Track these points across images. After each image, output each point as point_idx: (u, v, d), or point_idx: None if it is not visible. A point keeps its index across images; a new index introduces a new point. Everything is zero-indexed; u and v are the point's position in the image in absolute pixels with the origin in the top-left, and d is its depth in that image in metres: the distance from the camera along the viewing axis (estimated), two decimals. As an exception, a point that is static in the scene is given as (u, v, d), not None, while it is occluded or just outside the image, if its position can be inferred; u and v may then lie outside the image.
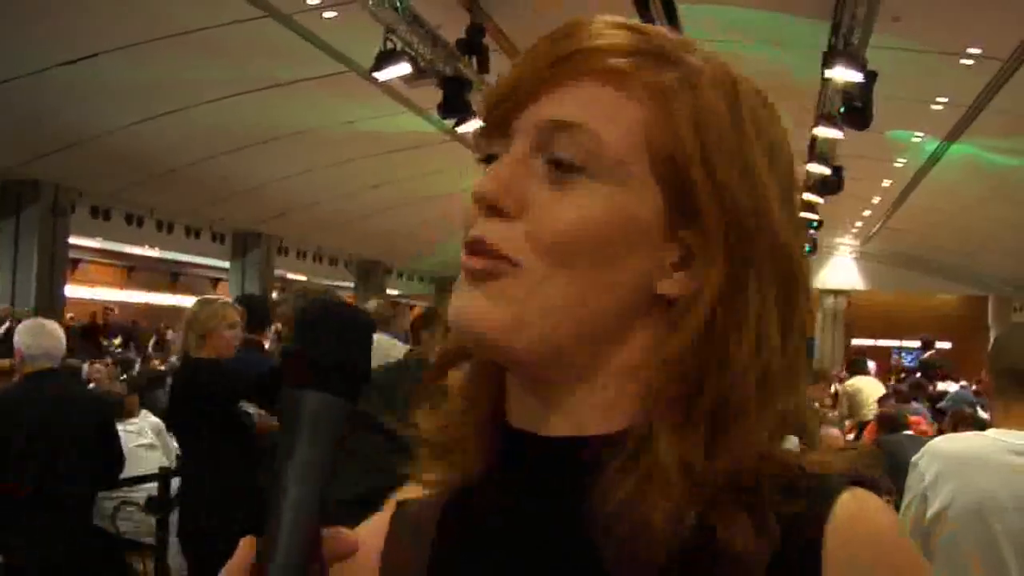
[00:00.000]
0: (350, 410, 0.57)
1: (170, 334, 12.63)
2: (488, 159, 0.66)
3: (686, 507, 0.58)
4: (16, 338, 3.88)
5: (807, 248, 0.70)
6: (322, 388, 0.56)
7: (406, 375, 2.87)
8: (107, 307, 16.82)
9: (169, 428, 5.02)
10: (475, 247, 0.62)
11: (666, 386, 0.61)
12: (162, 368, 8.71)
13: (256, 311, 4.78)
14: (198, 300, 4.20)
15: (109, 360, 8.98)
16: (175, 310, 13.99)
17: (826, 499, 0.60)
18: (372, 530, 0.73)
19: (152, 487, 4.73)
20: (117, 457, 4.00)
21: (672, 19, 6.64)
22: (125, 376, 7.75)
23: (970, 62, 7.58)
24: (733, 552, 0.58)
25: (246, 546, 0.56)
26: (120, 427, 4.34)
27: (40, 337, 3.79)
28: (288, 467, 0.55)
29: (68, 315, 12.10)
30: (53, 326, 3.92)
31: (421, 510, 0.72)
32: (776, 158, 0.64)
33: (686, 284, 0.62)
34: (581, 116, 0.62)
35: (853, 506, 0.60)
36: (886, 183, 13.12)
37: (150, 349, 13.40)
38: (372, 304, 5.52)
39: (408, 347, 5.51)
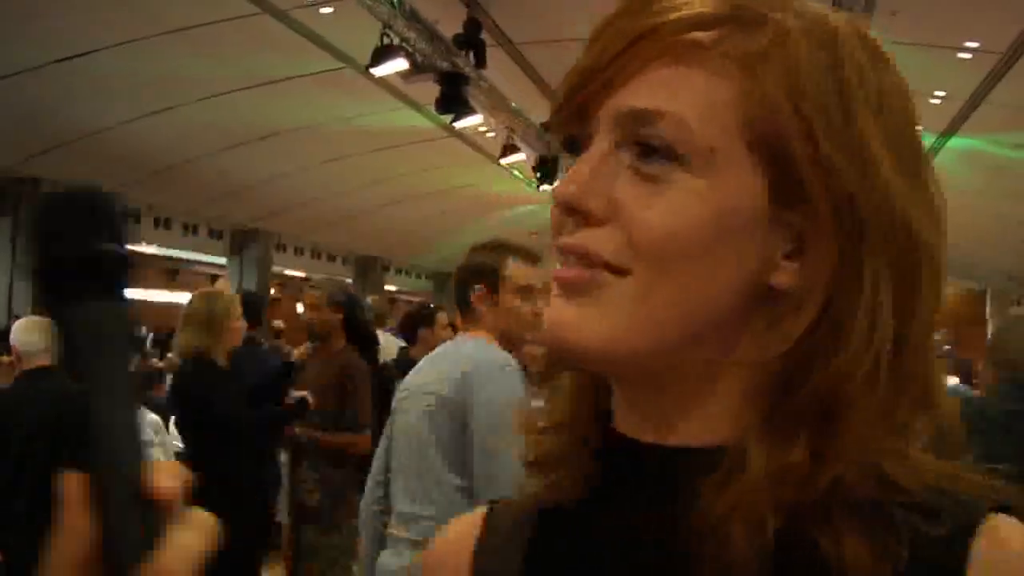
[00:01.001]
0: (126, 308, 0.51)
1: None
2: (570, 144, 0.61)
3: (784, 520, 0.54)
4: (12, 335, 3.87)
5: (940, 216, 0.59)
6: (83, 297, 0.50)
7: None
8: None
9: (175, 424, 5.04)
10: (573, 255, 0.58)
11: (770, 388, 0.57)
12: (160, 365, 8.70)
13: (253, 307, 4.80)
14: (201, 295, 4.19)
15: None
16: (172, 307, 13.98)
17: (968, 522, 0.54)
18: (462, 529, 0.71)
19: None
20: None
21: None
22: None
23: (968, 56, 7.56)
24: (840, 569, 0.53)
25: (74, 483, 0.50)
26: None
27: (36, 333, 3.78)
28: (91, 394, 0.50)
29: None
30: (48, 322, 3.90)
31: (516, 513, 0.69)
32: (888, 114, 0.57)
33: (800, 274, 0.57)
34: (663, 103, 0.56)
35: (1001, 534, 0.54)
36: (884, 177, 13.08)
37: (147, 346, 13.38)
38: (370, 300, 5.52)
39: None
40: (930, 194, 0.59)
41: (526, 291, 2.66)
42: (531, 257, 2.72)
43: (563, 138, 0.62)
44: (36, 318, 4.03)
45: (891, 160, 0.56)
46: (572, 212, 0.58)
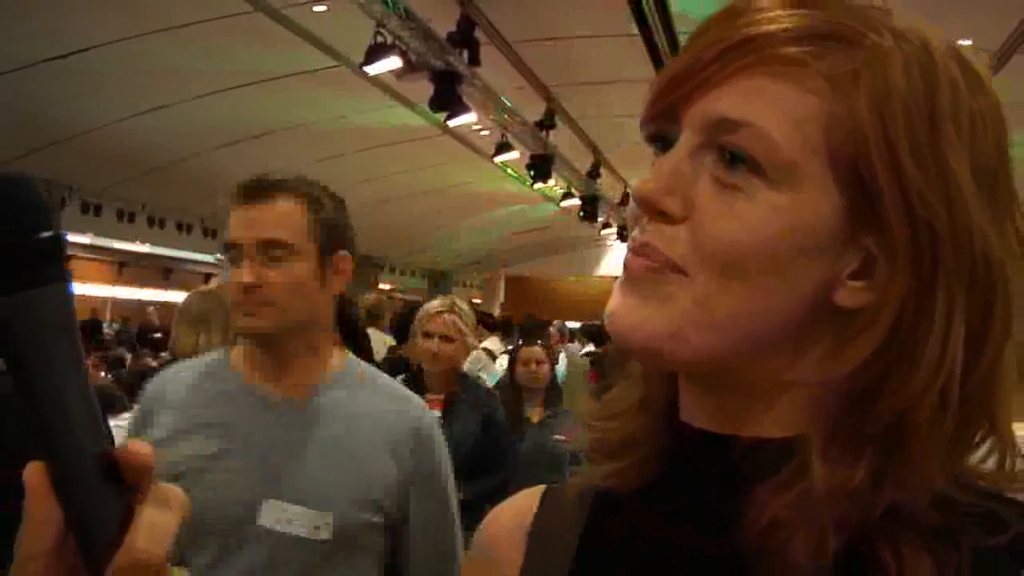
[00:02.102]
0: (64, 289, 0.50)
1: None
2: (656, 139, 0.62)
3: (837, 536, 0.54)
4: None
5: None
6: (20, 287, 0.48)
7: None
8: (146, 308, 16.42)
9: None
10: (641, 251, 0.58)
11: (833, 403, 0.57)
12: (154, 364, 8.68)
13: None
14: (198, 293, 4.17)
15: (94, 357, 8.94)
16: (167, 306, 13.95)
17: None
18: (521, 505, 0.73)
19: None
20: None
21: (663, 7, 6.63)
22: (112, 373, 7.72)
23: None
24: None
25: (36, 471, 0.49)
26: (112, 422, 4.33)
27: None
28: (42, 381, 0.48)
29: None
30: None
31: (572, 497, 0.69)
32: (979, 140, 0.57)
33: (866, 295, 0.56)
34: (750, 113, 0.56)
35: None
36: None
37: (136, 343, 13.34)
38: (367, 299, 5.50)
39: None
40: (1013, 227, 0.58)
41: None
42: None
43: (648, 134, 0.62)
44: None
45: (976, 189, 0.56)
46: (649, 209, 0.58)
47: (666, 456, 0.64)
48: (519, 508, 0.73)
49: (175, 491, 0.50)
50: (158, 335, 10.66)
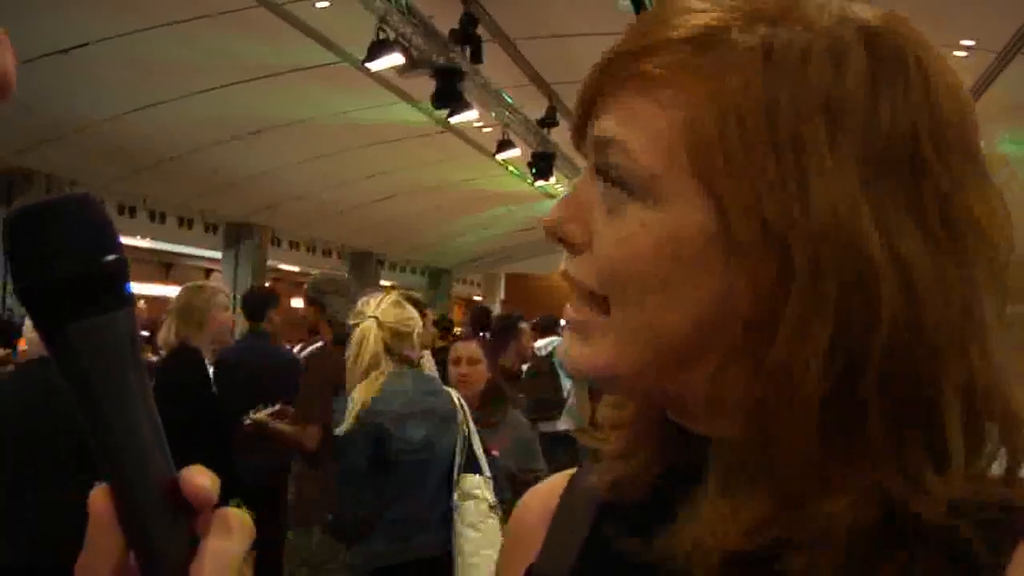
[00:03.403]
0: (128, 312, 0.48)
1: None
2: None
3: (767, 549, 0.53)
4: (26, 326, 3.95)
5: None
6: (86, 313, 0.46)
7: None
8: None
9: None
10: (568, 281, 0.61)
11: (736, 426, 0.56)
12: (153, 359, 8.68)
13: (254, 304, 4.84)
14: (187, 287, 4.18)
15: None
16: (168, 301, 13.96)
17: (1004, 542, 0.52)
18: (552, 488, 0.74)
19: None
20: None
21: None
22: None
23: (963, 54, 7.58)
24: None
25: (100, 497, 0.48)
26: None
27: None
28: (106, 407, 0.47)
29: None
30: None
31: (588, 493, 0.70)
32: (874, 127, 0.53)
33: (750, 302, 0.55)
34: (618, 131, 0.57)
35: None
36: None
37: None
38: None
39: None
40: (947, 215, 0.54)
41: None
42: None
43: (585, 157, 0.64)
44: None
45: (859, 180, 0.53)
46: (553, 238, 0.60)
47: (667, 460, 0.65)
48: (552, 488, 0.74)
49: (239, 516, 0.49)
50: (144, 333, 10.67)
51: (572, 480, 0.74)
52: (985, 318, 0.54)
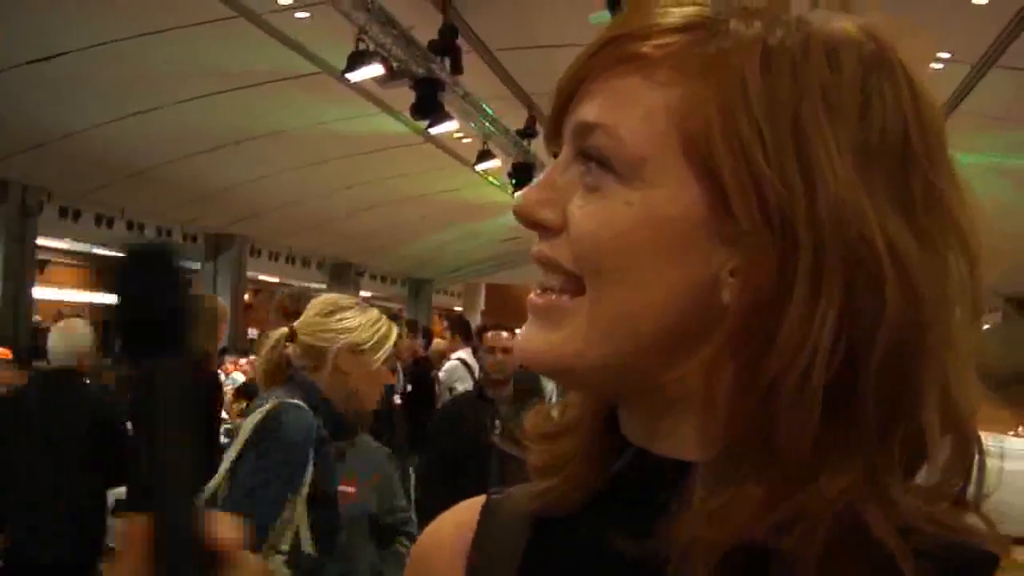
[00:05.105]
0: (189, 361, 0.54)
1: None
2: (558, 156, 0.63)
3: (742, 556, 0.52)
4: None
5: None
6: (158, 352, 0.52)
7: None
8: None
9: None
10: (539, 263, 0.60)
11: (734, 415, 0.54)
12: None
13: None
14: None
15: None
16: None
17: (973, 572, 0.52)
18: (460, 519, 0.70)
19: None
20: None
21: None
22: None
23: (939, 66, 7.66)
24: None
25: (137, 525, 0.51)
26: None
27: (67, 336, 3.99)
28: (158, 442, 0.52)
29: (36, 317, 11.94)
30: (76, 323, 4.19)
31: (515, 510, 0.68)
32: (868, 120, 0.54)
33: (736, 290, 0.54)
34: (603, 115, 0.57)
35: None
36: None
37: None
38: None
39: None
40: (937, 209, 0.55)
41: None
42: None
43: (553, 153, 0.63)
44: (76, 320, 4.27)
45: (856, 170, 0.53)
46: (526, 221, 0.60)
47: (606, 473, 0.63)
48: (459, 522, 0.70)
49: (261, 565, 0.51)
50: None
51: (486, 508, 0.70)
52: (960, 321, 0.55)
